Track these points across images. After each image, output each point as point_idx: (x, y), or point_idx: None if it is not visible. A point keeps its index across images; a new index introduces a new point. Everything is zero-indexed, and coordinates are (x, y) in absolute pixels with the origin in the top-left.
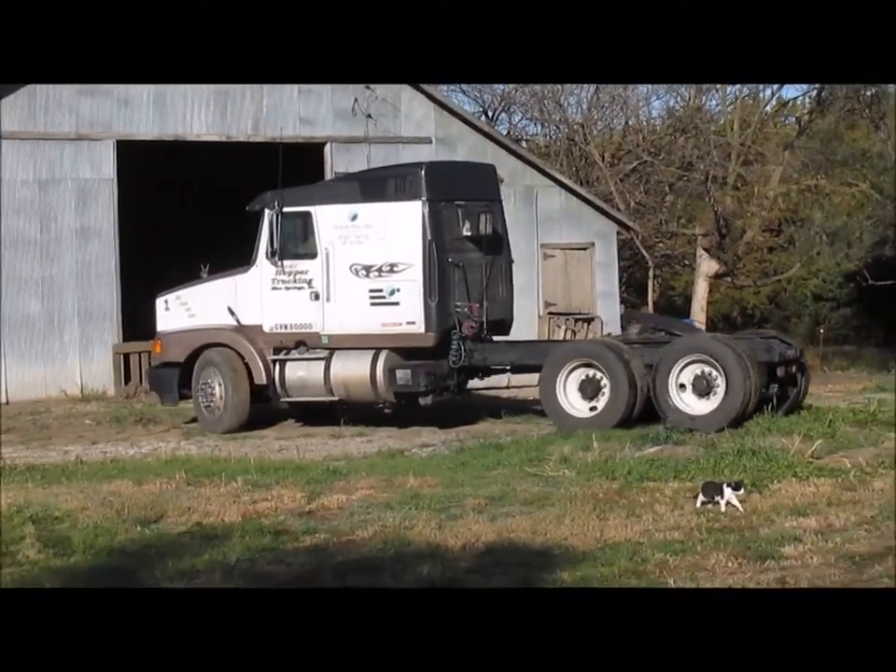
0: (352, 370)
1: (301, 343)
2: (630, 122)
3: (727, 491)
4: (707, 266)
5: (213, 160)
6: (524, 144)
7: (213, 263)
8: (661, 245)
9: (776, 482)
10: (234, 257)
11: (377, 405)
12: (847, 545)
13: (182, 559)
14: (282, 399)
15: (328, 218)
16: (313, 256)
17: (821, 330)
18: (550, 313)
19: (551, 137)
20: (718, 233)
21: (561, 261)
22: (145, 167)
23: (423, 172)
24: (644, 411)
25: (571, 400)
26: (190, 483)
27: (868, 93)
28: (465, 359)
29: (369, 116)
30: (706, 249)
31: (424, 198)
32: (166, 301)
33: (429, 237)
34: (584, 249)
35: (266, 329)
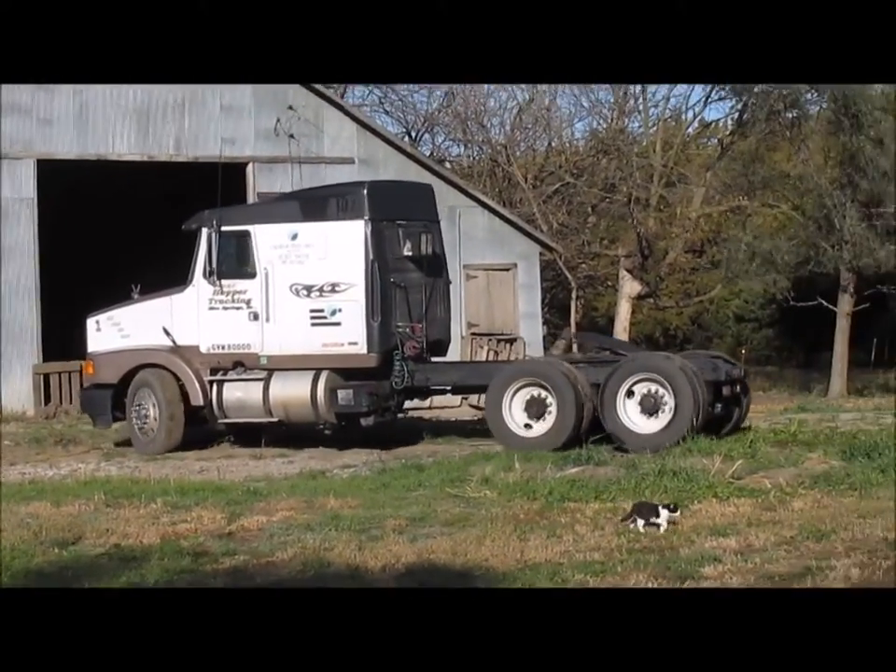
0: (292, 390)
1: (239, 364)
2: (553, 144)
3: (664, 513)
4: (629, 287)
5: (136, 179)
6: (447, 165)
7: (136, 282)
8: (584, 266)
9: (696, 502)
10: (159, 276)
11: (317, 426)
12: (766, 565)
13: (100, 581)
14: (219, 421)
15: (267, 238)
16: (252, 275)
17: (743, 351)
18: (472, 333)
19: (474, 158)
20: (640, 254)
21: (483, 282)
22: (67, 186)
23: (365, 191)
24: (590, 430)
25: (517, 420)
26: (109, 505)
27: (789, 115)
28: (408, 380)
29: (291, 136)
30: (628, 270)
31: (366, 217)
32: (97, 322)
33: (371, 257)
34: (507, 270)
35: (203, 349)
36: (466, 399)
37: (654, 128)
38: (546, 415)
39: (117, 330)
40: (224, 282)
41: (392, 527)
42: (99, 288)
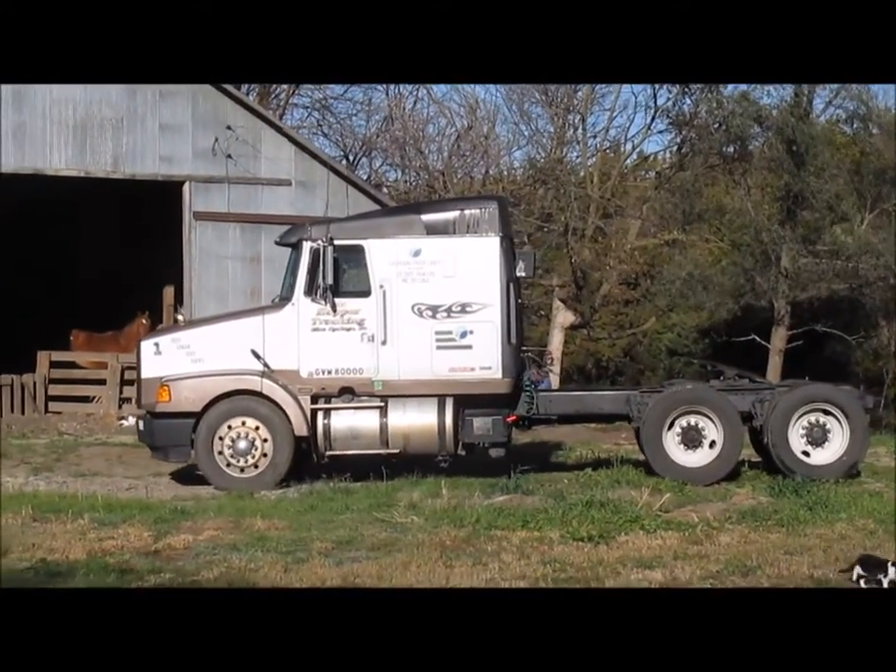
0: (415, 419)
1: (347, 391)
2: (490, 171)
3: (892, 570)
4: (563, 317)
5: (73, 195)
6: (384, 189)
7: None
8: None
9: (623, 534)
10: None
11: (436, 457)
12: None
13: None
14: (327, 453)
15: (383, 253)
16: (365, 294)
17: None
18: None
19: (411, 184)
20: (575, 285)
21: None
22: (3, 200)
23: (497, 206)
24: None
25: (675, 450)
26: (36, 519)
27: (729, 150)
28: (536, 408)
29: (229, 156)
30: (562, 300)
31: (500, 234)
32: (157, 345)
33: (507, 276)
34: None
35: (304, 374)
36: None
37: (593, 159)
38: (702, 444)
39: (185, 354)
40: (331, 301)
41: (318, 550)
42: (38, 302)
